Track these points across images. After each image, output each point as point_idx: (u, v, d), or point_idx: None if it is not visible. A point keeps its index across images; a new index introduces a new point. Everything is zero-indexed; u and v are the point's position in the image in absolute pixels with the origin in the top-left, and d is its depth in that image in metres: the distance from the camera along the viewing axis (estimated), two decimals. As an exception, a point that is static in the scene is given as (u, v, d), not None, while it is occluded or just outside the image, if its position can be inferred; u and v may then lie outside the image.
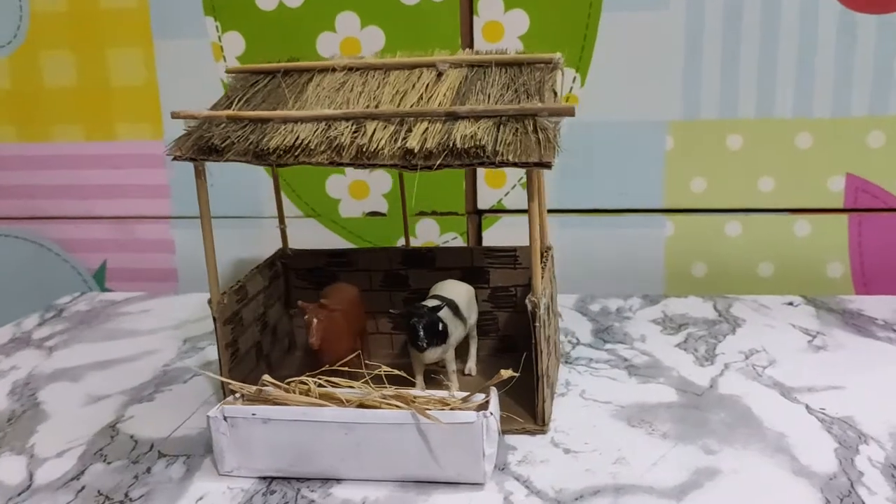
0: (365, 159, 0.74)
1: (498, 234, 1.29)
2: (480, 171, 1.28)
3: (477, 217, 1.30)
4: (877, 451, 0.74)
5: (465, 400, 0.74)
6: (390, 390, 0.73)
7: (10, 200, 1.40)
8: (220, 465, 0.75)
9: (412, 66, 0.86)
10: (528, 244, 0.77)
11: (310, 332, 0.80)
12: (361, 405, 0.73)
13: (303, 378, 0.75)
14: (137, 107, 1.31)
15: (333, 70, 0.87)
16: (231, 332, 0.85)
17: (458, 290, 0.89)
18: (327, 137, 0.75)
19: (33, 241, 1.41)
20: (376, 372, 0.74)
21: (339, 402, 0.73)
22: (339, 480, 0.73)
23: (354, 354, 0.79)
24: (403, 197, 1.00)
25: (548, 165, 0.72)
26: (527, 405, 0.82)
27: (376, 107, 0.79)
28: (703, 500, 0.68)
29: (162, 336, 1.11)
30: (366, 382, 0.74)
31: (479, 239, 1.30)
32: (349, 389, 0.74)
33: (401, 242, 1.28)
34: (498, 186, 1.27)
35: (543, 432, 0.80)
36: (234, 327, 0.85)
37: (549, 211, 1.27)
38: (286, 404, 0.74)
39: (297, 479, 0.74)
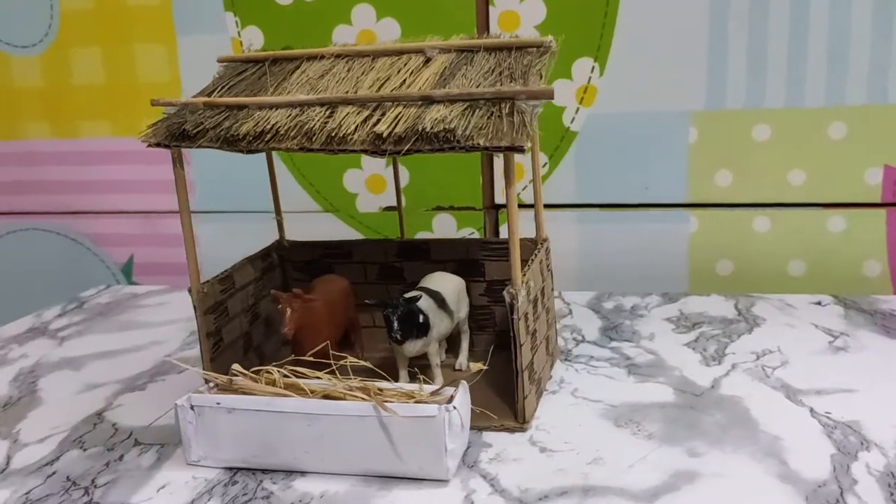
0: (335, 144, 0.72)
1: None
2: (497, 166, 1.25)
3: (494, 212, 1.27)
4: (877, 458, 0.68)
5: (434, 393, 0.71)
6: (356, 382, 0.71)
7: (44, 195, 1.44)
8: (188, 454, 0.74)
9: (400, 53, 0.84)
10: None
11: (283, 321, 0.79)
12: (327, 396, 0.71)
13: (268, 367, 0.73)
14: (161, 103, 1.33)
15: (322, 58, 0.86)
16: (214, 322, 0.84)
17: (445, 283, 0.87)
18: (297, 123, 0.74)
19: (66, 236, 1.45)
20: (342, 363, 0.72)
21: (305, 392, 0.71)
22: (303, 473, 0.71)
23: (324, 345, 0.77)
24: (398, 186, 0.97)
25: (520, 150, 0.69)
26: (511, 402, 0.79)
27: (356, 93, 0.78)
28: (676, 505, 0.64)
29: (172, 328, 1.12)
30: (332, 373, 0.72)
31: (497, 234, 1.27)
32: (315, 380, 0.73)
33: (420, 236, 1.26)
34: (515, 181, 1.23)
35: (523, 430, 0.77)
36: (218, 317, 0.85)
37: (568, 206, 1.23)
38: (253, 394, 0.73)
39: (262, 471, 0.72)
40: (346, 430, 0.69)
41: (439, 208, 1.28)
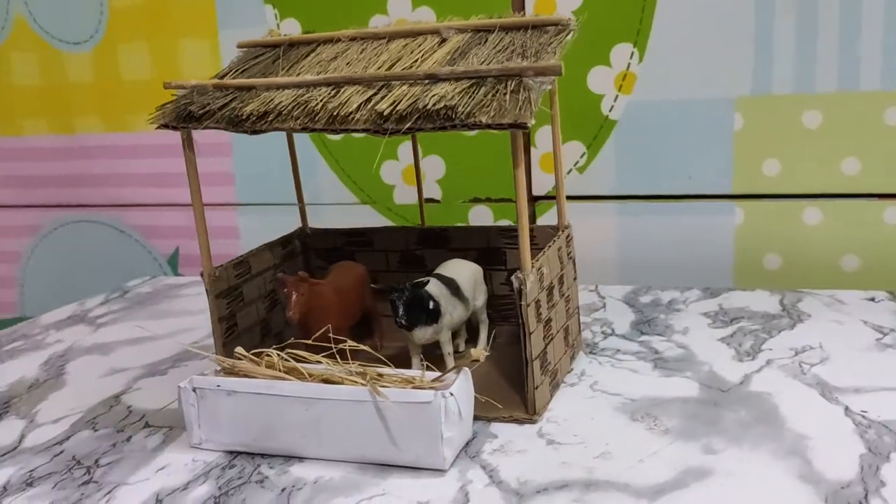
0: (337, 124, 0.71)
1: (552, 221, 1.21)
2: (535, 156, 1.21)
3: (532, 203, 1.23)
4: (911, 460, 0.63)
5: (436, 381, 0.69)
6: (355, 366, 0.70)
7: (96, 188, 1.47)
8: (190, 436, 0.73)
9: (416, 34, 0.83)
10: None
11: (289, 305, 0.77)
12: (327, 381, 0.70)
13: (268, 350, 0.72)
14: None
15: (337, 41, 0.85)
16: (227, 307, 0.83)
17: (460, 269, 0.84)
18: (301, 102, 0.73)
19: (116, 228, 1.48)
20: (340, 346, 0.70)
21: (303, 376, 0.70)
22: (301, 459, 0.70)
23: (325, 329, 0.75)
24: (418, 174, 0.95)
25: (524, 126, 0.66)
26: (524, 393, 0.76)
27: (365, 73, 0.76)
28: (681, 502, 0.60)
29: (204, 317, 1.12)
30: (332, 357, 0.70)
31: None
32: (315, 364, 0.71)
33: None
34: (553, 171, 1.20)
35: (532, 422, 0.73)
36: (231, 301, 0.84)
37: (607, 197, 1.19)
38: (253, 377, 0.72)
39: (262, 456, 0.71)
40: (342, 416, 0.68)
41: (476, 200, 1.25)
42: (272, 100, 0.74)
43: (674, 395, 0.77)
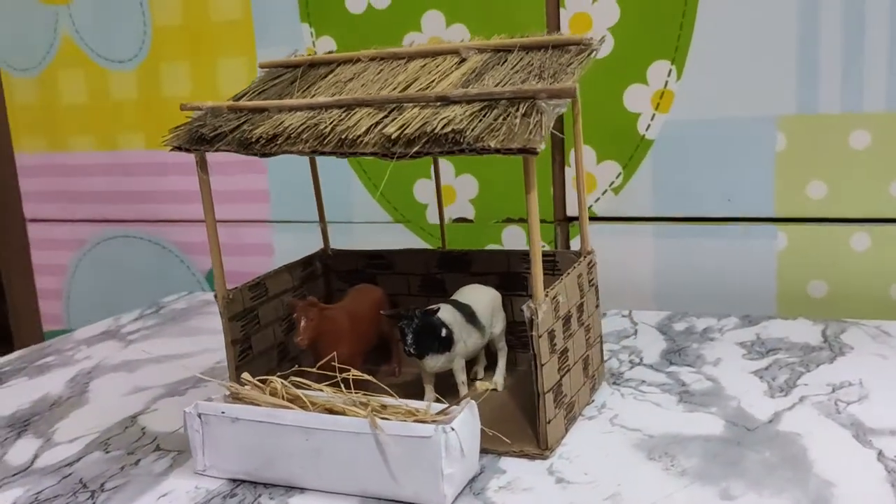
0: (346, 147, 0.70)
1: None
2: (568, 176, 1.18)
3: (565, 224, 1.20)
4: (946, 514, 0.58)
5: (441, 413, 0.67)
6: (360, 396, 0.68)
7: (136, 204, 1.49)
8: (196, 463, 0.72)
9: (435, 54, 0.81)
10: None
11: (298, 330, 0.76)
12: (329, 410, 0.68)
13: (271, 378, 0.71)
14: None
15: (357, 61, 0.84)
16: (241, 330, 0.83)
17: (478, 295, 0.82)
18: (310, 125, 0.72)
19: (156, 244, 1.49)
20: (343, 376, 0.68)
21: (305, 405, 0.68)
22: (302, 490, 0.68)
23: (331, 356, 0.73)
24: (439, 195, 0.93)
25: (533, 151, 0.64)
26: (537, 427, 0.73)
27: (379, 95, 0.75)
28: (689, 553, 0.56)
29: (232, 335, 1.12)
30: (333, 385, 0.69)
31: (567, 247, 1.20)
32: (318, 393, 0.69)
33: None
34: (587, 192, 1.17)
35: (544, 457, 0.71)
36: (246, 324, 0.83)
37: (644, 219, 1.15)
38: (256, 404, 0.70)
39: (264, 485, 0.70)
40: (342, 447, 0.66)
41: (509, 220, 1.22)
42: (282, 122, 0.73)
43: (696, 433, 0.73)
